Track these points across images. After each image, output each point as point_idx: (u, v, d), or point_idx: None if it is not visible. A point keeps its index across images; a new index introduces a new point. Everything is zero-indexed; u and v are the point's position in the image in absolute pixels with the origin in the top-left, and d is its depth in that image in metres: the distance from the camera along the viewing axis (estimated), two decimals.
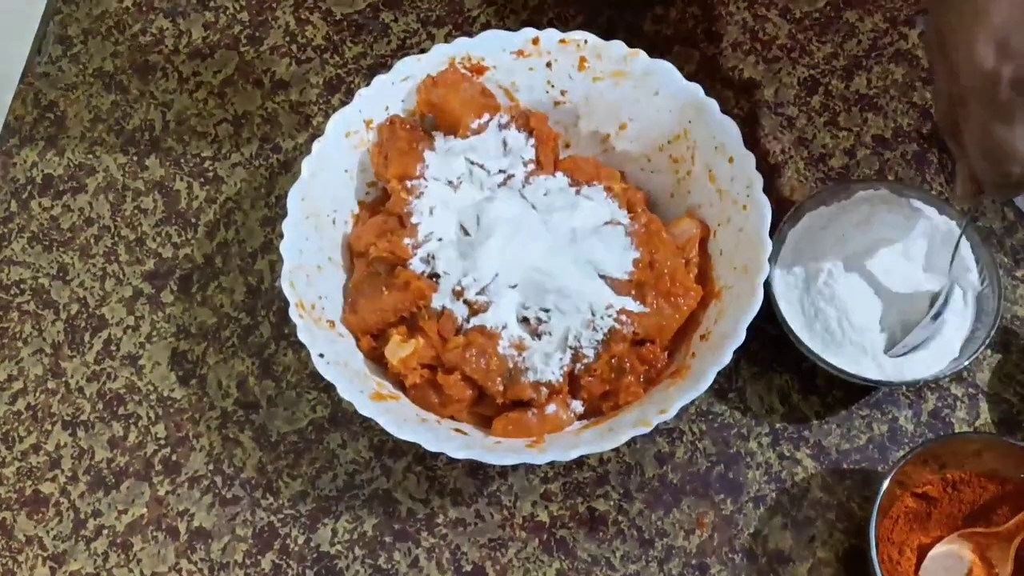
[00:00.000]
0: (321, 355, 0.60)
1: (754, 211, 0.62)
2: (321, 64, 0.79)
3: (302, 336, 0.60)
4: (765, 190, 0.62)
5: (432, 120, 0.69)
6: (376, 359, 0.64)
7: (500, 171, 0.66)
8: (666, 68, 0.66)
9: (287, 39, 0.81)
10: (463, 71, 0.68)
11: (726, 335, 0.59)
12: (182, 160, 0.77)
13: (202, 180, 0.76)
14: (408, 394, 0.63)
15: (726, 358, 0.58)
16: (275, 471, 0.67)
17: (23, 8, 0.87)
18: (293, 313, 0.61)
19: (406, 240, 0.63)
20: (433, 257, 0.63)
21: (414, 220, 0.64)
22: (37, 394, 0.70)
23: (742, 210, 0.63)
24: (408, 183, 0.65)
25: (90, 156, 0.78)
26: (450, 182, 0.66)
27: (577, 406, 0.63)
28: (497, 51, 0.68)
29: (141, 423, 0.69)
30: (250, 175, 0.76)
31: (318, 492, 0.66)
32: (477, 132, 0.66)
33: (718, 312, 0.62)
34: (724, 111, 0.65)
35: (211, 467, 0.68)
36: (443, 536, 0.65)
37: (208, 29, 0.82)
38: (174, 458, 0.68)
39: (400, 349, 0.62)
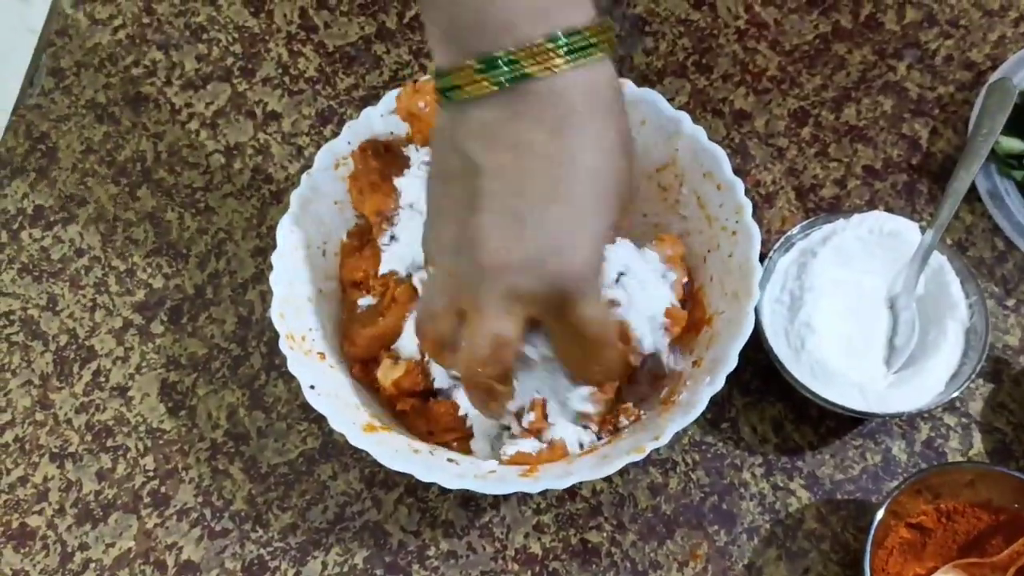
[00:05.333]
0: (312, 387, 0.60)
1: (743, 237, 0.62)
2: (313, 95, 0.80)
3: (293, 368, 0.60)
4: (756, 220, 0.62)
5: (409, 131, 0.68)
6: (368, 385, 0.64)
7: None
8: (652, 97, 0.67)
9: (279, 71, 0.81)
10: None
11: (718, 361, 0.59)
12: (173, 191, 0.77)
13: (193, 211, 0.76)
14: (400, 421, 0.63)
15: (719, 383, 0.58)
16: (265, 503, 0.67)
17: (15, 40, 0.88)
18: (283, 345, 0.61)
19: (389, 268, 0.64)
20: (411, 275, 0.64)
21: (392, 249, 0.64)
22: (25, 426, 0.70)
23: (731, 236, 0.63)
24: (386, 213, 0.65)
25: (81, 187, 0.78)
26: None
27: (582, 434, 0.63)
28: None
29: (130, 455, 0.69)
30: (241, 206, 0.76)
31: (308, 524, 0.66)
32: None
33: (710, 338, 0.62)
34: (714, 141, 0.65)
35: (200, 499, 0.67)
36: (435, 569, 0.64)
37: (201, 61, 0.82)
38: (163, 490, 0.67)
39: (392, 371, 0.62)
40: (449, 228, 0.52)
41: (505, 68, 0.47)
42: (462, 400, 0.62)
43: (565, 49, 0.48)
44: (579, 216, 0.50)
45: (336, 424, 0.58)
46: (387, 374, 0.62)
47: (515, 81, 0.48)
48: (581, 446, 0.61)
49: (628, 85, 0.67)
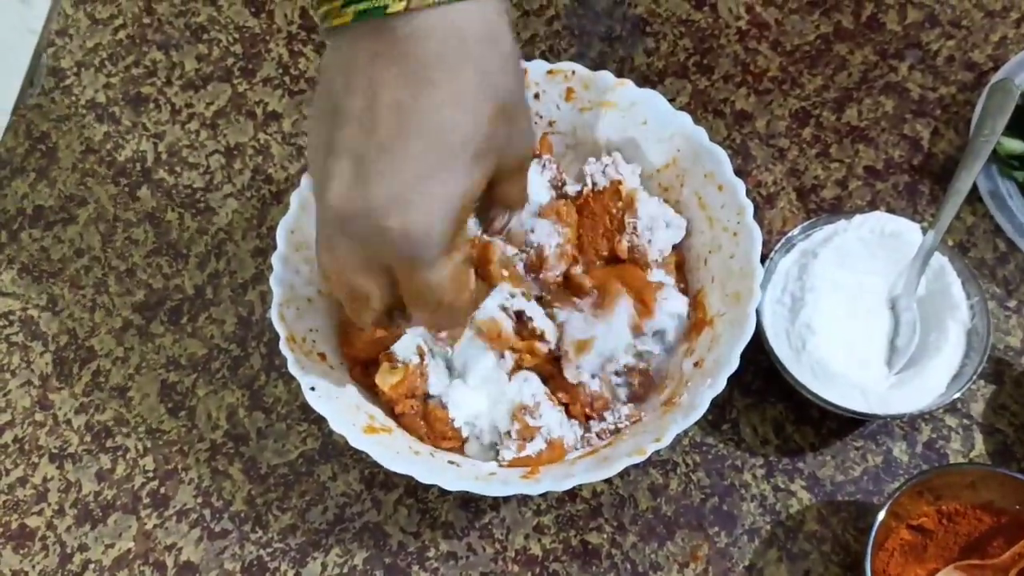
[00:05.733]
0: (312, 388, 0.59)
1: (745, 238, 0.62)
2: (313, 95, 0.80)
3: (293, 370, 0.60)
4: (757, 221, 0.62)
5: None
6: (368, 387, 0.64)
7: None
8: (654, 97, 0.67)
9: (280, 71, 0.81)
10: None
11: (720, 362, 0.59)
12: (173, 191, 0.77)
13: (193, 211, 0.76)
14: (400, 422, 0.63)
15: (720, 385, 0.58)
16: (264, 504, 0.66)
17: (16, 40, 0.88)
18: (284, 346, 0.61)
19: None
20: None
21: None
22: (25, 426, 0.70)
23: (732, 237, 0.63)
24: None
25: (81, 187, 0.78)
26: None
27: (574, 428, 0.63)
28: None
29: (129, 455, 0.68)
30: (242, 206, 0.76)
31: (308, 525, 0.66)
32: None
33: (711, 339, 0.62)
34: (716, 142, 0.65)
35: (200, 500, 0.67)
36: (435, 570, 0.64)
37: (201, 61, 0.82)
38: (162, 491, 0.67)
39: (390, 376, 0.62)
40: (313, 164, 0.50)
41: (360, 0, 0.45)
42: (454, 409, 0.62)
43: None
44: (426, 173, 0.47)
45: (336, 426, 0.58)
46: (385, 378, 0.62)
47: (369, 15, 0.45)
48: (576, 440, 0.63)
49: (629, 85, 0.67)
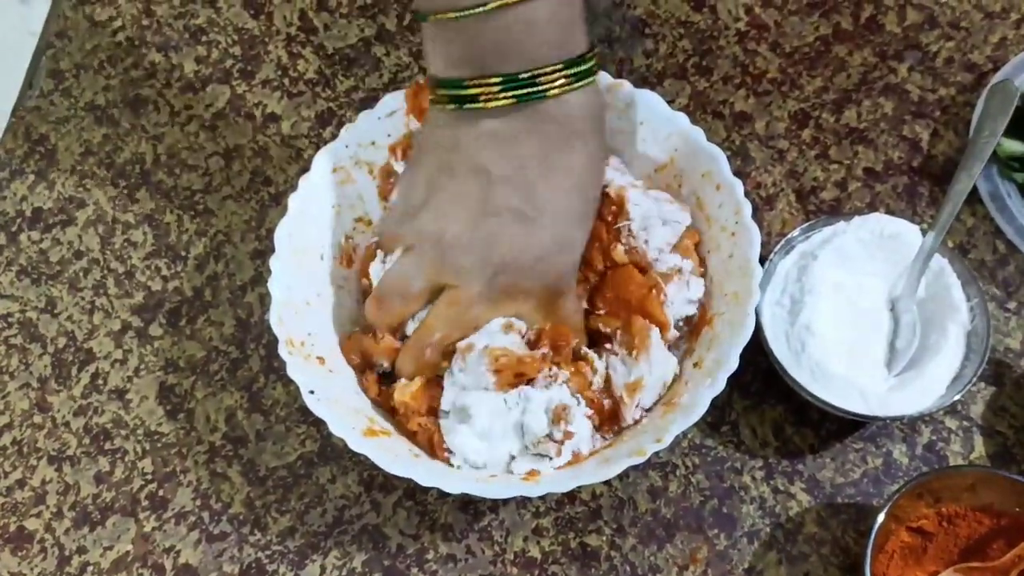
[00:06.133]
0: (312, 392, 0.59)
1: (743, 238, 0.62)
2: (313, 97, 0.80)
3: (292, 373, 0.60)
4: (756, 222, 0.62)
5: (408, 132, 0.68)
6: (375, 399, 0.64)
7: None
8: (651, 98, 0.67)
9: (279, 73, 0.81)
10: None
11: (719, 362, 0.59)
12: (172, 193, 0.77)
13: (192, 213, 0.76)
14: (402, 428, 0.63)
15: (720, 385, 0.58)
16: (263, 506, 0.66)
17: (15, 42, 0.88)
18: (283, 350, 0.60)
19: None
20: None
21: None
22: (23, 429, 0.70)
23: (731, 237, 0.63)
24: None
25: (80, 189, 0.78)
26: None
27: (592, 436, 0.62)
28: None
29: (128, 458, 0.68)
30: (241, 208, 0.76)
31: (307, 528, 0.66)
32: None
33: (710, 339, 0.62)
34: (715, 143, 0.65)
35: (198, 503, 0.67)
36: (433, 572, 0.64)
37: (200, 63, 0.82)
38: (161, 493, 0.67)
39: (408, 386, 0.62)
40: (452, 223, 0.58)
41: (525, 86, 0.54)
42: (454, 449, 0.61)
43: (574, 73, 0.54)
44: (575, 221, 0.59)
45: (336, 429, 0.58)
46: (403, 390, 0.62)
47: (531, 98, 0.54)
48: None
49: (626, 86, 0.67)
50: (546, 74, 0.54)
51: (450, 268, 0.59)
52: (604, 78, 0.67)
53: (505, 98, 0.54)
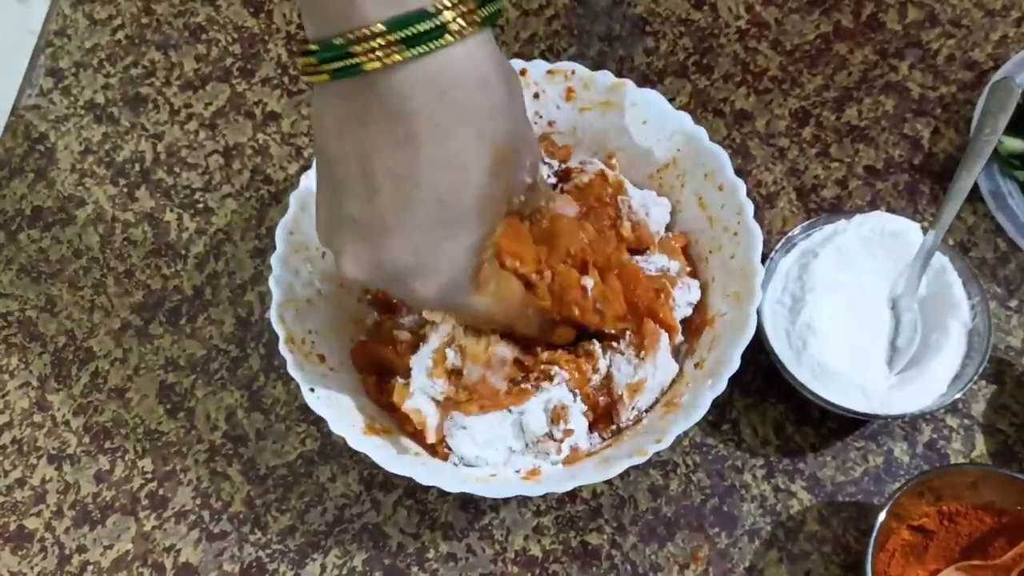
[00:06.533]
0: (312, 390, 0.59)
1: (745, 238, 0.62)
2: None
3: (292, 371, 0.60)
4: (757, 220, 0.62)
5: None
6: (377, 401, 0.64)
7: None
8: (654, 97, 0.67)
9: (279, 71, 0.81)
10: None
11: (720, 362, 0.58)
12: (172, 192, 0.77)
13: (192, 211, 0.76)
14: (404, 428, 0.62)
15: (721, 385, 0.57)
16: (263, 505, 0.66)
17: (14, 40, 0.88)
18: (283, 348, 0.60)
19: None
20: None
21: None
22: (23, 427, 0.70)
23: (733, 237, 0.63)
24: None
25: (80, 188, 0.78)
26: None
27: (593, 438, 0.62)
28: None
29: (128, 457, 0.68)
30: (240, 206, 0.76)
31: (307, 526, 0.65)
32: None
33: (712, 340, 0.62)
34: (716, 142, 0.65)
35: (198, 501, 0.67)
36: (434, 571, 0.64)
37: (200, 61, 0.82)
38: (161, 492, 0.67)
39: (407, 390, 0.62)
40: (322, 229, 0.49)
41: (336, 56, 0.42)
42: (456, 449, 0.61)
43: (405, 38, 0.41)
44: (434, 240, 0.46)
45: (336, 427, 0.58)
46: (402, 393, 0.62)
47: (346, 73, 0.42)
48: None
49: (629, 85, 0.67)
50: (363, 39, 0.41)
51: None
52: (607, 77, 0.67)
53: (320, 73, 0.42)
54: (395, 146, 0.43)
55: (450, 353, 0.58)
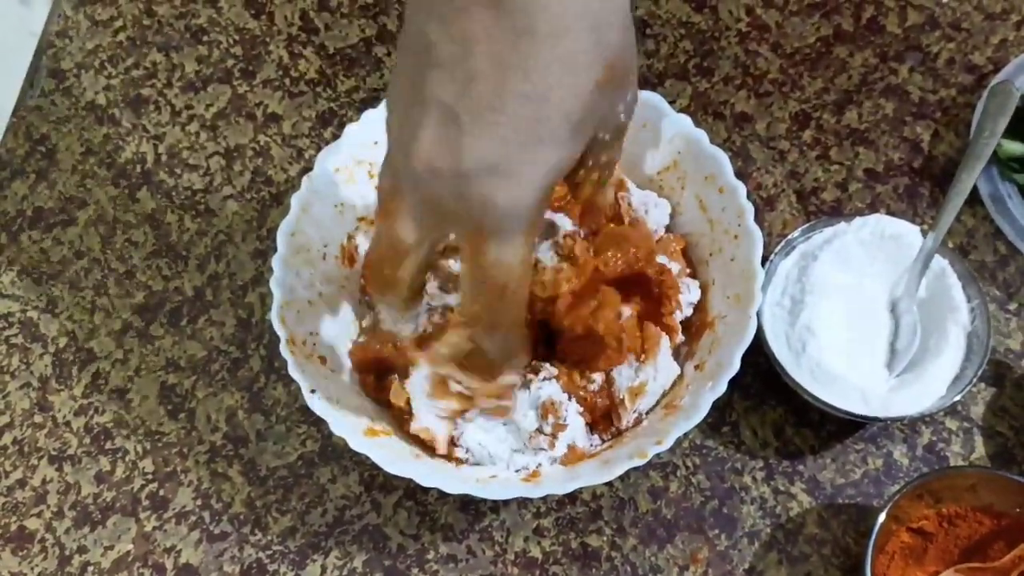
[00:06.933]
0: (313, 391, 0.59)
1: (745, 240, 0.62)
2: (314, 97, 0.80)
3: (293, 373, 0.60)
4: (757, 223, 0.62)
5: None
6: (376, 399, 0.64)
7: None
8: (654, 100, 0.67)
9: (280, 73, 0.81)
10: None
11: (721, 365, 0.59)
12: (173, 193, 0.77)
13: (193, 213, 0.76)
14: (404, 429, 0.63)
15: (721, 387, 0.58)
16: (264, 506, 0.66)
17: (16, 42, 0.88)
18: (284, 349, 0.60)
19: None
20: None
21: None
22: (24, 428, 0.70)
23: (733, 239, 0.63)
24: None
25: (81, 189, 0.78)
26: None
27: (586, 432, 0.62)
28: None
29: (128, 458, 0.68)
30: (242, 208, 0.76)
31: (307, 528, 0.66)
32: None
33: (712, 342, 0.62)
34: (716, 144, 0.65)
35: (199, 502, 0.67)
36: (434, 573, 0.64)
37: (201, 63, 0.82)
38: (161, 493, 0.67)
39: (404, 391, 0.62)
40: (390, 112, 0.46)
41: None
42: (461, 442, 0.61)
43: None
44: (526, 142, 0.43)
45: (337, 429, 0.58)
46: (400, 393, 0.62)
47: None
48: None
49: None
50: None
51: (387, 169, 0.47)
52: None
53: None
54: (511, 35, 0.41)
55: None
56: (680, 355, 0.64)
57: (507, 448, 0.61)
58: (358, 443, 0.58)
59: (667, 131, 0.67)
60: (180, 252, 0.75)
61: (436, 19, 0.42)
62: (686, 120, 0.66)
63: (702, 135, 0.65)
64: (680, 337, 0.64)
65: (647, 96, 0.67)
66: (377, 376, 0.64)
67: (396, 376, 0.63)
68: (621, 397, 0.61)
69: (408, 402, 0.61)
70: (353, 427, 0.59)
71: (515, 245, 0.46)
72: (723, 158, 0.64)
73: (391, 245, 0.48)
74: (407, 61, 0.44)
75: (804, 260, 0.66)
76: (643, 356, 0.61)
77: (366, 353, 0.65)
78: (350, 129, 0.67)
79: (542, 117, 0.42)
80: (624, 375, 0.61)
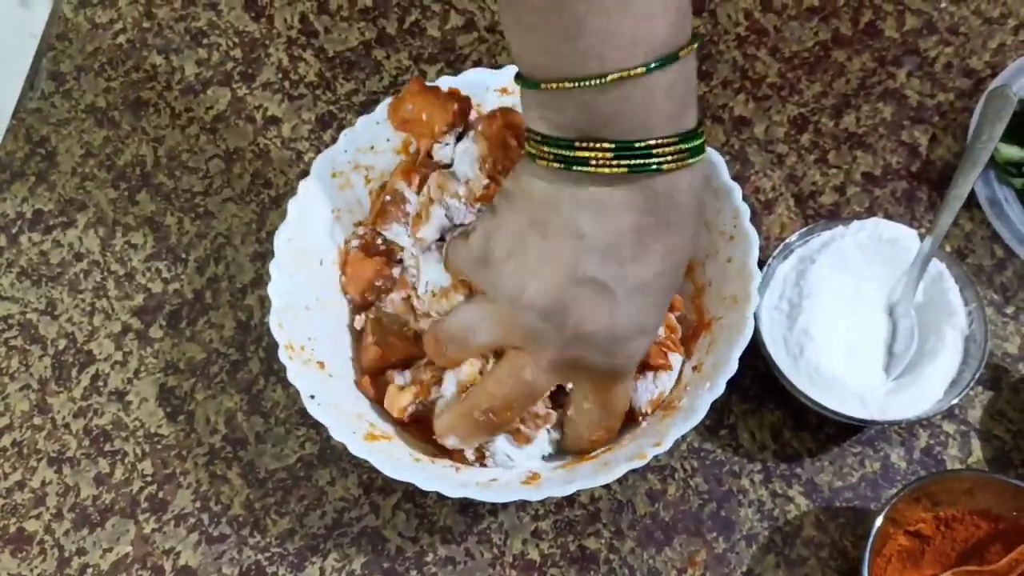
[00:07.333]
0: (312, 396, 0.59)
1: (741, 241, 0.62)
2: (313, 100, 0.80)
3: (292, 378, 0.60)
4: (755, 226, 0.62)
5: (407, 137, 0.68)
6: (375, 399, 0.64)
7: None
8: None
9: (279, 75, 0.81)
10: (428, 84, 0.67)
11: (718, 365, 0.59)
12: (173, 195, 0.77)
13: (193, 215, 0.76)
14: (406, 429, 0.63)
15: (720, 388, 0.58)
16: (263, 508, 0.66)
17: (16, 44, 0.88)
18: (283, 355, 0.60)
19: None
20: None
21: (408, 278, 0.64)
22: (23, 430, 0.70)
23: (729, 241, 0.63)
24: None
25: (81, 191, 0.78)
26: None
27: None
28: (481, 89, 0.68)
29: (127, 460, 0.68)
30: (241, 211, 0.76)
31: (306, 530, 0.66)
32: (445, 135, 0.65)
33: (709, 343, 0.62)
34: (714, 148, 0.65)
35: (198, 504, 0.67)
36: (433, 575, 0.64)
37: (201, 65, 0.82)
38: (160, 495, 0.67)
39: (399, 399, 0.62)
40: (535, 282, 0.54)
41: (640, 156, 0.49)
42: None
43: (688, 149, 0.50)
44: (656, 306, 0.55)
45: (337, 434, 0.58)
46: (394, 402, 0.62)
47: (644, 170, 0.50)
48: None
49: None
50: (661, 146, 0.49)
51: (522, 329, 0.56)
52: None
53: (618, 166, 0.50)
54: (657, 227, 0.52)
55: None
56: (679, 353, 0.64)
57: (536, 455, 0.62)
58: (358, 448, 0.58)
59: None
60: (179, 254, 0.75)
61: (587, 215, 0.52)
62: None
63: None
64: (679, 332, 0.64)
65: None
66: (378, 380, 0.64)
67: (394, 380, 0.63)
68: (643, 410, 0.62)
69: (404, 410, 0.62)
70: (353, 432, 0.59)
71: (630, 381, 0.60)
72: (718, 159, 0.64)
73: (528, 394, 0.58)
74: (543, 240, 0.54)
75: (802, 264, 0.66)
76: (656, 371, 0.62)
77: (372, 386, 0.65)
78: (347, 134, 0.67)
79: (668, 287, 0.55)
80: (641, 391, 0.62)
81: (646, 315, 0.55)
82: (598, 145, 0.50)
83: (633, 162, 0.50)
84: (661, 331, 0.63)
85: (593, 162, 0.50)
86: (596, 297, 0.53)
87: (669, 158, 0.50)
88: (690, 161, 0.50)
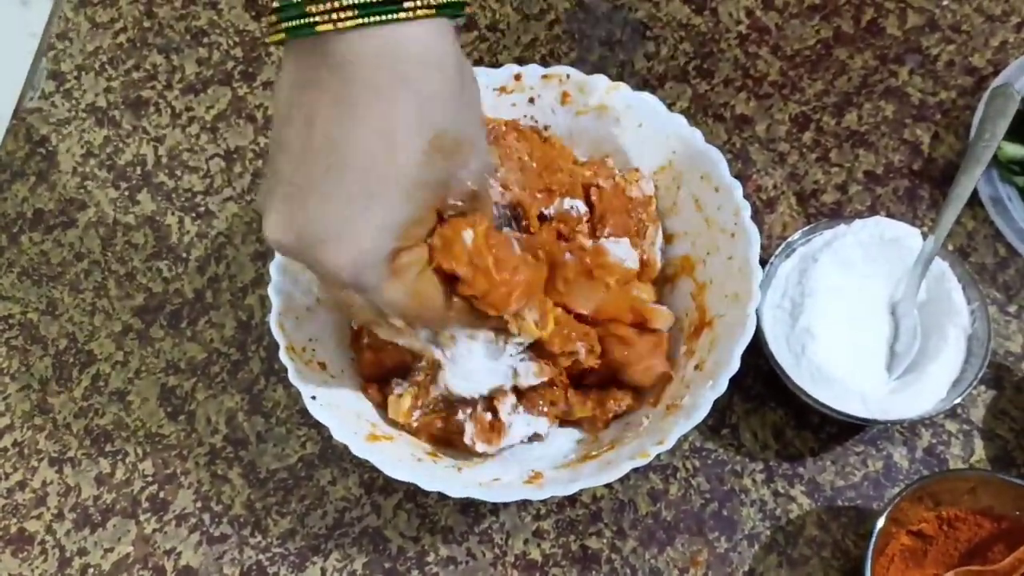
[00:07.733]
0: (314, 397, 0.59)
1: (742, 239, 0.62)
2: None
3: (294, 379, 0.60)
4: (757, 225, 0.62)
5: None
6: (379, 404, 0.64)
7: None
8: (649, 100, 0.67)
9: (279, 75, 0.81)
10: None
11: (720, 363, 0.59)
12: (173, 195, 0.77)
13: (193, 215, 0.76)
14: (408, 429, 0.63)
15: (722, 386, 0.58)
16: (264, 508, 0.66)
17: (16, 44, 0.88)
18: (284, 356, 0.60)
19: None
20: None
21: None
22: (24, 430, 0.70)
23: (730, 238, 0.63)
24: None
25: (81, 191, 0.78)
26: None
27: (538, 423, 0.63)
28: (480, 88, 0.68)
29: (128, 460, 0.68)
30: (242, 210, 0.76)
31: (307, 530, 0.66)
32: None
33: (711, 341, 0.62)
34: (716, 147, 0.65)
35: (199, 504, 0.67)
36: (434, 575, 0.64)
37: (201, 65, 0.82)
38: (161, 495, 0.67)
39: (401, 404, 0.62)
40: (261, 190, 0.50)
41: (295, 15, 0.43)
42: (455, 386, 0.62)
43: (357, 3, 0.42)
44: (355, 208, 0.46)
45: (339, 435, 0.58)
46: (397, 408, 0.62)
47: (300, 32, 0.43)
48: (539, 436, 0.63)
49: (624, 88, 0.67)
50: (319, 1, 0.42)
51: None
52: (602, 81, 0.67)
53: (276, 31, 0.44)
54: (336, 109, 0.44)
55: None
56: (680, 355, 0.64)
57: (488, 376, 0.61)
58: (360, 448, 0.58)
59: (662, 131, 0.67)
60: (180, 254, 0.75)
61: (285, 103, 0.46)
62: (680, 120, 0.66)
63: (697, 134, 0.65)
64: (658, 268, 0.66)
65: (642, 96, 0.67)
66: (380, 384, 0.64)
67: (394, 388, 0.63)
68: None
69: (409, 414, 0.61)
70: (355, 433, 0.59)
71: (386, 290, 0.49)
72: (718, 156, 0.64)
73: (340, 302, 0.54)
74: (271, 144, 0.48)
75: (804, 263, 0.66)
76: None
77: (376, 358, 0.64)
78: None
79: (368, 185, 0.46)
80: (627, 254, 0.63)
81: (329, 221, 0.46)
82: (273, 6, 0.44)
83: (289, 24, 0.44)
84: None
85: (269, 30, 0.45)
86: (281, 200, 0.47)
87: (332, 15, 0.43)
88: (367, 20, 0.43)
